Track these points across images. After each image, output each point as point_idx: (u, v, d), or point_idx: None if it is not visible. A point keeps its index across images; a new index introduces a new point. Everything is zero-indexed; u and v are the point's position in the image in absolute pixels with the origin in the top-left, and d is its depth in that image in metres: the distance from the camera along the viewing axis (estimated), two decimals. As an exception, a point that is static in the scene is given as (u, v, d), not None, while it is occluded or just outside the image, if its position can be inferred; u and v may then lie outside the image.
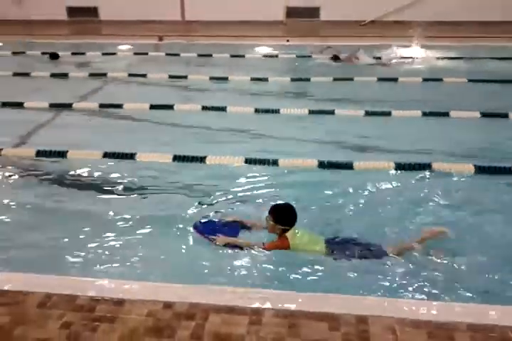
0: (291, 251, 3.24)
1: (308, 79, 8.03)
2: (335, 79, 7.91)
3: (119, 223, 3.82)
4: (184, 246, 3.47)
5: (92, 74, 8.45)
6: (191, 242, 3.51)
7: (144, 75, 8.37)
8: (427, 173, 4.54)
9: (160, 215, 3.90)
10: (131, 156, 4.92)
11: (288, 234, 3.26)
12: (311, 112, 6.39)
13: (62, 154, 5.00)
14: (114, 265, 3.27)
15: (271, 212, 3.31)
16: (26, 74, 8.48)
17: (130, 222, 3.83)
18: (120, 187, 4.44)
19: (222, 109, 6.50)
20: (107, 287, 2.88)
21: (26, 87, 7.92)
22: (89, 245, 3.50)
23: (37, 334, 2.51)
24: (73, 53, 10.23)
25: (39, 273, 3.01)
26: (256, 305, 2.74)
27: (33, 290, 2.82)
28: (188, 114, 6.47)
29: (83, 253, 3.40)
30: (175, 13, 13.91)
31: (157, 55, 10.22)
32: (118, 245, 3.53)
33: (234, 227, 3.53)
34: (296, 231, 3.30)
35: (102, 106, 6.74)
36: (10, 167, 4.88)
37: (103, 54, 10.14)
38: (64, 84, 8.21)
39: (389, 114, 6.28)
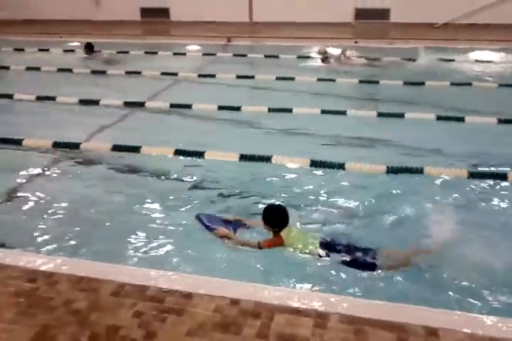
0: (286, 247, 3.34)
1: (377, 82, 7.88)
2: (405, 83, 7.71)
3: (185, 220, 3.90)
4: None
5: (163, 74, 8.71)
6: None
7: (212, 76, 8.54)
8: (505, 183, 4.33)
9: (224, 213, 3.96)
10: (200, 154, 5.03)
11: (283, 233, 3.36)
12: (379, 115, 6.27)
13: (136, 149, 5.19)
14: (183, 259, 3.35)
15: (263, 218, 3.40)
16: (103, 73, 8.91)
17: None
18: (188, 184, 4.56)
19: (289, 110, 6.52)
20: (176, 280, 2.96)
21: (102, 85, 8.32)
22: (158, 238, 3.62)
23: (110, 321, 2.63)
24: (146, 52, 10.62)
25: (113, 262, 3.16)
26: (322, 308, 2.72)
27: (107, 279, 2.96)
28: (255, 115, 6.53)
29: (153, 246, 3.52)
30: (243, 14, 14.10)
31: (225, 55, 10.39)
32: (185, 240, 3.62)
33: (233, 225, 3.63)
34: (294, 230, 3.41)
35: (172, 105, 6.92)
36: (87, 160, 5.14)
37: (174, 54, 10.45)
38: (137, 82, 8.53)
39: (462, 119, 6.04)
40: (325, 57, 9.39)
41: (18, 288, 2.88)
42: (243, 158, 4.93)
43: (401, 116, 6.19)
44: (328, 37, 11.49)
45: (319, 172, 4.75)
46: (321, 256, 3.27)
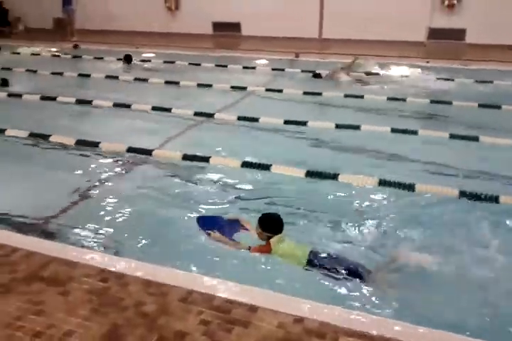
0: (274, 255, 3.44)
1: (449, 103, 7.65)
2: (480, 106, 7.44)
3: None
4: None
5: (232, 87, 8.91)
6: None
7: (280, 90, 8.62)
8: None
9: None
10: (266, 167, 5.07)
11: (272, 241, 3.47)
12: (452, 137, 6.07)
13: (205, 159, 5.31)
14: (248, 270, 3.37)
15: (259, 221, 3.56)
16: (176, 83, 9.24)
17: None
18: (252, 196, 4.60)
19: (357, 127, 6.45)
20: (242, 291, 2.98)
21: (174, 94, 8.62)
22: (224, 249, 3.67)
23: (178, 326, 2.68)
24: (216, 65, 10.91)
25: (181, 268, 3.22)
26: (388, 335, 2.64)
27: (175, 284, 3.02)
28: (322, 131, 6.51)
29: (220, 255, 3.57)
30: (312, 30, 14.21)
31: (293, 71, 10.47)
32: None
33: (233, 227, 3.77)
34: (285, 240, 3.51)
35: (239, 118, 7.02)
36: (158, 167, 5.32)
37: (243, 67, 10.66)
38: (207, 94, 8.76)
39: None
40: (317, 74, 9.65)
41: (92, 286, 2.99)
42: (310, 174, 4.91)
43: (475, 139, 5.96)
44: (399, 56, 11.33)
45: (387, 191, 4.64)
46: (307, 268, 3.35)
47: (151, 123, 7.01)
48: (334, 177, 4.85)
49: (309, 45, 13.35)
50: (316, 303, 2.90)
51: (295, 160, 5.38)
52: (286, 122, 6.77)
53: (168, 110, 7.37)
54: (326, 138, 6.21)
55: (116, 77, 9.77)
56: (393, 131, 6.27)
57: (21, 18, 17.81)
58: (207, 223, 3.77)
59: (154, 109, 7.44)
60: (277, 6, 14.12)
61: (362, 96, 8.03)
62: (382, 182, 4.71)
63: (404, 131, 6.25)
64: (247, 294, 2.96)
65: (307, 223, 4.10)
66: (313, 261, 3.35)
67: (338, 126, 6.51)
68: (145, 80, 9.51)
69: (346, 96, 8.11)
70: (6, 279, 3.04)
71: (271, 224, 3.54)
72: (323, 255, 3.40)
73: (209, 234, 3.65)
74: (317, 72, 9.75)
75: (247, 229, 3.79)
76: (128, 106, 7.59)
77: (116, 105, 7.63)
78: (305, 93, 8.39)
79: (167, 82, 9.34)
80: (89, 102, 7.76)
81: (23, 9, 17.63)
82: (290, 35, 14.03)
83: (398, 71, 10.17)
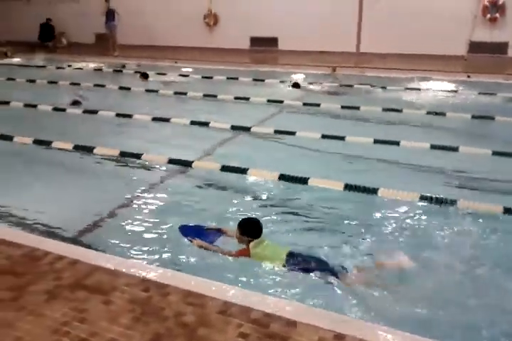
0: (253, 259, 3.57)
1: (492, 118, 7.48)
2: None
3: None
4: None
5: (269, 101, 8.99)
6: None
7: (317, 105, 8.64)
8: None
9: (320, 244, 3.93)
10: (304, 181, 5.07)
11: (251, 245, 3.60)
12: (494, 154, 5.91)
13: (243, 171, 5.35)
14: (286, 284, 3.36)
15: (239, 225, 3.69)
16: (214, 96, 9.39)
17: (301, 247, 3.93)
18: (287, 210, 4.60)
19: (396, 143, 6.37)
20: (281, 305, 2.96)
21: (212, 108, 8.76)
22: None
23: (217, 338, 2.69)
24: (254, 79, 11.04)
25: (220, 280, 3.25)
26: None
27: (214, 296, 3.04)
28: (360, 146, 6.45)
29: (258, 269, 3.57)
30: (350, 44, 14.22)
31: (330, 85, 10.48)
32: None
33: (214, 234, 3.94)
34: (264, 243, 3.63)
35: (276, 132, 7.06)
36: (197, 178, 5.40)
37: (280, 82, 10.75)
38: (244, 107, 8.87)
39: None
40: (296, 84, 10.19)
41: (134, 295, 3.05)
42: (348, 187, 4.87)
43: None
44: (439, 70, 11.19)
45: (428, 207, 4.55)
46: (285, 266, 3.48)
47: (190, 136, 7.13)
48: (374, 191, 4.80)
49: (347, 59, 13.36)
50: (357, 320, 2.86)
51: (332, 173, 5.36)
52: (323, 136, 6.75)
53: (206, 123, 7.48)
54: (363, 153, 6.15)
55: (156, 91, 10.01)
56: (433, 147, 6.16)
57: (65, 33, 18.58)
58: (189, 231, 3.96)
59: (193, 122, 7.56)
60: (314, 20, 14.22)
61: (401, 110, 7.96)
62: (424, 198, 4.63)
63: (444, 147, 6.13)
64: (286, 308, 2.94)
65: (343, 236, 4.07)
66: (290, 262, 3.48)
67: (376, 142, 6.45)
68: (184, 94, 9.72)
69: (385, 110, 8.05)
70: (51, 286, 3.13)
71: (249, 229, 3.67)
72: (301, 257, 3.52)
73: (191, 241, 3.83)
74: (296, 81, 10.19)
75: (229, 236, 3.92)
76: (167, 119, 7.75)
77: (155, 119, 7.80)
78: (343, 107, 8.37)
79: (205, 95, 9.51)
80: (130, 116, 7.97)
81: (67, 25, 18.40)
82: (327, 49, 14.09)
83: (438, 85, 10.04)
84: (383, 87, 9.78)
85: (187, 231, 3.98)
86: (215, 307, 2.94)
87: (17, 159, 6.15)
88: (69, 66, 13.55)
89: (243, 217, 4.38)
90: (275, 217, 4.44)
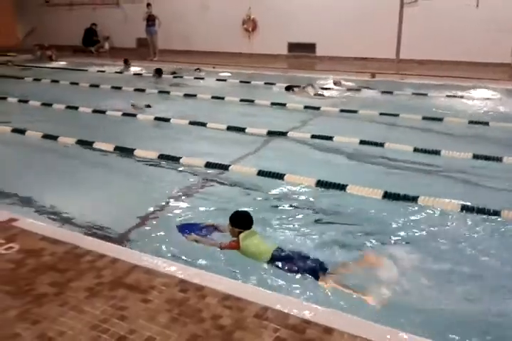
0: (241, 252, 3.70)
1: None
2: None
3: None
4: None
5: (306, 107, 8.97)
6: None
7: (354, 111, 8.56)
8: None
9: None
10: (342, 187, 5.02)
11: (241, 236, 3.71)
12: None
13: (280, 176, 5.35)
14: (324, 290, 3.34)
15: (230, 217, 3.85)
16: (251, 101, 9.44)
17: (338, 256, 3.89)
18: (326, 217, 4.56)
19: (436, 152, 6.23)
20: (317, 312, 2.93)
21: (249, 113, 8.81)
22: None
23: (253, 342, 2.69)
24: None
25: (258, 285, 3.25)
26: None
27: (251, 300, 3.04)
28: (399, 153, 6.35)
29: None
30: (389, 51, 14.06)
31: (369, 91, 10.38)
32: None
33: (209, 230, 4.16)
34: (254, 236, 3.76)
35: (313, 136, 7.04)
36: (232, 182, 5.44)
37: (319, 88, 10.71)
38: (281, 112, 8.89)
39: None
40: (289, 87, 10.38)
41: (171, 295, 3.08)
42: (388, 196, 4.79)
43: None
44: (483, 77, 10.91)
45: (470, 217, 4.43)
46: (271, 262, 3.59)
47: (226, 140, 7.18)
48: (413, 199, 4.70)
49: (386, 65, 13.22)
50: (396, 330, 2.79)
51: (371, 181, 5.28)
52: (361, 142, 6.69)
53: (243, 129, 7.52)
54: (403, 161, 6.06)
55: (195, 95, 10.14)
56: (475, 157, 6.00)
57: (108, 37, 19.12)
58: (185, 228, 4.19)
59: (229, 128, 7.60)
60: (353, 26, 14.16)
61: (441, 119, 7.79)
62: (465, 208, 4.51)
63: (487, 158, 5.96)
64: (323, 314, 2.91)
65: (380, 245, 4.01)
66: (276, 257, 3.59)
67: (416, 150, 6.33)
68: (221, 98, 9.81)
69: (425, 118, 7.90)
70: (93, 283, 3.20)
71: (239, 220, 3.81)
72: (286, 252, 3.64)
73: (186, 237, 4.04)
74: (290, 85, 10.36)
75: (221, 231, 4.10)
76: (203, 124, 7.82)
77: (192, 123, 7.89)
78: (381, 114, 8.27)
79: (242, 100, 9.57)
80: (167, 120, 8.09)
81: (110, 29, 18.94)
82: (366, 55, 13.99)
83: (481, 93, 9.79)
84: (423, 94, 9.62)
85: (183, 228, 4.20)
86: (252, 312, 2.94)
87: (61, 159, 6.36)
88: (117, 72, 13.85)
89: (278, 222, 4.41)
90: (311, 224, 4.40)
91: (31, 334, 2.72)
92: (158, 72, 12.42)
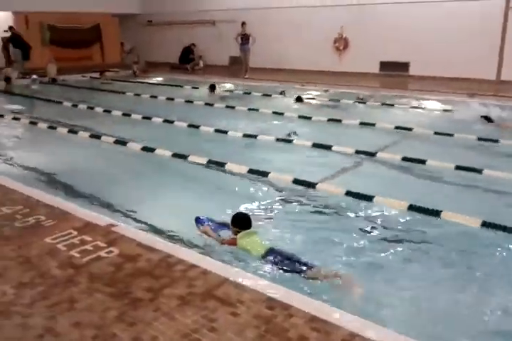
0: (238, 248, 4.08)
1: None
2: None
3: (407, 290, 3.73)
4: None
5: (397, 127, 8.75)
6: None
7: (450, 135, 8.19)
8: None
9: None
10: (436, 213, 4.80)
11: (239, 235, 4.12)
12: None
13: (368, 198, 5.23)
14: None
15: (231, 218, 4.27)
16: (338, 121, 9.40)
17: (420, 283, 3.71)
18: (417, 242, 4.38)
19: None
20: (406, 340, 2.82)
21: (336, 132, 8.76)
22: (389, 294, 3.54)
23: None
24: (383, 104, 10.84)
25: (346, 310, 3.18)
26: None
27: (340, 325, 2.98)
28: (502, 182, 5.93)
29: (385, 300, 3.45)
30: (489, 71, 13.35)
31: (466, 113, 9.88)
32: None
33: (222, 226, 4.47)
34: (251, 236, 4.12)
35: (404, 159, 6.81)
36: (318, 201, 5.39)
37: (411, 108, 10.42)
38: (371, 132, 8.73)
39: None
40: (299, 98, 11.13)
41: (258, 311, 3.10)
42: (487, 225, 4.50)
43: None
44: None
45: None
46: (264, 259, 3.90)
47: (313, 158, 7.16)
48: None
49: (484, 86, 12.55)
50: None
51: (468, 208, 5.00)
52: (457, 168, 6.37)
53: (329, 147, 7.48)
54: (504, 190, 5.66)
55: (282, 114, 10.27)
56: None
57: (202, 55, 20.03)
58: (201, 220, 4.53)
59: (315, 145, 7.60)
60: (449, 45, 13.66)
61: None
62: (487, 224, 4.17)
63: None
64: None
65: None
66: (269, 255, 3.90)
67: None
68: (309, 118, 9.84)
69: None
70: (184, 292, 3.32)
71: (237, 221, 4.23)
72: (279, 252, 3.94)
73: (199, 227, 4.44)
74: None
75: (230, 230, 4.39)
76: (290, 141, 7.87)
77: (278, 140, 7.97)
78: (480, 139, 7.84)
79: (330, 120, 9.53)
80: (255, 136, 8.24)
81: (205, 47, 19.83)
82: (462, 75, 13.39)
83: None
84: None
85: (199, 220, 4.54)
86: (339, 337, 2.88)
87: (157, 169, 6.73)
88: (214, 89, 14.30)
89: (369, 246, 4.31)
90: (401, 251, 4.25)
91: (128, 336, 2.87)
92: (212, 88, 13.48)
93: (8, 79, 14.59)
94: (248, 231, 4.16)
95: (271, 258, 3.88)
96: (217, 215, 4.69)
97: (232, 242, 4.13)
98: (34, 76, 15.89)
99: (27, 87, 15.02)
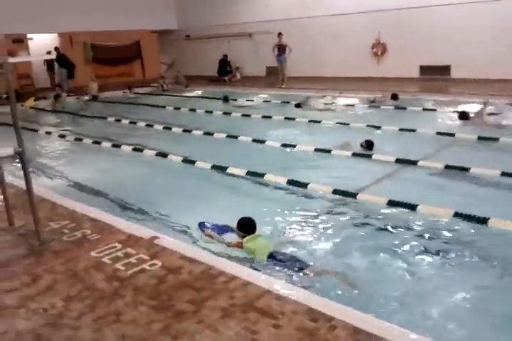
0: (244, 251, 4.28)
1: None
2: None
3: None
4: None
5: (439, 133, 8.54)
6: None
7: (495, 139, 7.91)
8: None
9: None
10: (482, 221, 4.64)
11: (244, 239, 4.32)
12: None
13: (412, 207, 5.12)
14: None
15: (237, 222, 4.48)
16: (377, 128, 9.27)
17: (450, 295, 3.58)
18: (463, 252, 4.24)
19: None
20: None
21: (375, 139, 8.60)
22: (432, 304, 3.43)
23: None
24: (424, 109, 10.61)
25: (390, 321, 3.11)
26: None
27: (384, 337, 2.91)
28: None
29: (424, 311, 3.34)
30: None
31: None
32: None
33: (225, 229, 4.69)
34: (257, 240, 4.33)
35: (447, 167, 6.60)
36: (359, 211, 5.33)
37: (453, 112, 10.14)
38: (411, 139, 8.55)
39: None
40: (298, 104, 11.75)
41: (301, 323, 3.08)
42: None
43: None
44: None
45: None
46: (268, 261, 4.13)
47: (352, 168, 7.07)
48: None
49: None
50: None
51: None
52: (504, 174, 6.12)
53: (369, 155, 7.37)
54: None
55: (319, 122, 10.22)
56: None
57: (239, 67, 20.27)
58: (204, 225, 4.74)
59: (354, 154, 7.50)
60: (491, 46, 13.25)
61: None
62: None
63: None
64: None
65: None
66: (272, 256, 4.14)
67: None
68: (347, 124, 9.75)
69: None
70: (227, 304, 3.33)
71: (243, 226, 4.44)
72: (281, 254, 4.20)
73: (203, 231, 4.68)
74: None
75: (236, 232, 4.55)
76: (328, 151, 7.79)
77: (317, 150, 7.90)
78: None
79: (369, 126, 9.40)
80: (294, 146, 8.20)
81: (242, 59, 20.07)
82: (508, 77, 12.94)
83: None
84: None
85: (203, 224, 4.75)
86: (382, 350, 2.82)
87: (198, 181, 6.82)
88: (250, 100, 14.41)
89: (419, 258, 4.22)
90: (449, 260, 4.14)
91: (172, 349, 2.91)
92: (225, 99, 14.30)
93: (57, 97, 15.22)
94: (253, 235, 4.38)
95: (275, 258, 4.13)
96: (262, 231, 4.71)
97: (239, 245, 4.35)
98: (86, 97, 16.56)
99: (73, 104, 15.64)
